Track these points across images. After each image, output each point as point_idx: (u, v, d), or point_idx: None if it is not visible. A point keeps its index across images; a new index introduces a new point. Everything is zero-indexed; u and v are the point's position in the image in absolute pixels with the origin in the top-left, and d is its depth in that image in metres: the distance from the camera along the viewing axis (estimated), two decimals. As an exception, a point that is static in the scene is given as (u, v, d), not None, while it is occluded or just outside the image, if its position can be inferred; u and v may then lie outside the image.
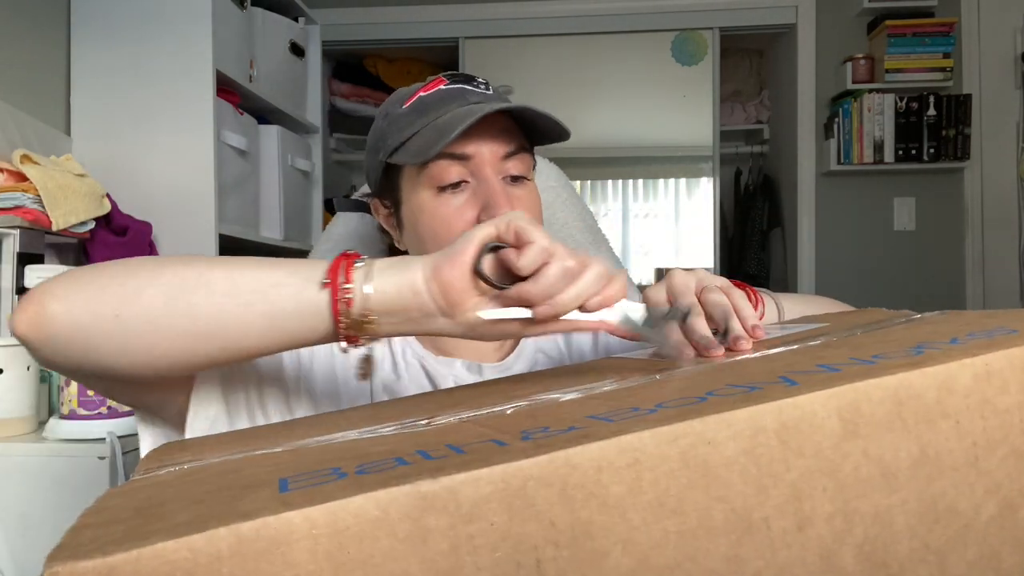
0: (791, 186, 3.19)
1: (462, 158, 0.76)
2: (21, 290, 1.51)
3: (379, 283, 0.56)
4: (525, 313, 0.55)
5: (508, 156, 0.77)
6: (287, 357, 0.76)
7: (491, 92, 0.80)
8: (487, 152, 0.76)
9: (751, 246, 3.37)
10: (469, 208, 0.76)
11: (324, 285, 0.56)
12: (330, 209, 3.08)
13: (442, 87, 0.78)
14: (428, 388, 0.81)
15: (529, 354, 0.85)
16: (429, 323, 0.57)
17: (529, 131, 0.80)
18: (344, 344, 0.57)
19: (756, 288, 0.75)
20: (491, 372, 0.82)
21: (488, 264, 0.56)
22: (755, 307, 0.71)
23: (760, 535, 0.34)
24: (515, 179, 0.78)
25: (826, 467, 0.35)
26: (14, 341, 1.31)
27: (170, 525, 0.31)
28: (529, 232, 0.55)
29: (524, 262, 0.54)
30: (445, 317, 0.56)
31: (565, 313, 0.55)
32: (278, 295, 0.57)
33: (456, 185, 0.77)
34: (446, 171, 0.76)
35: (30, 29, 1.89)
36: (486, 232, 0.56)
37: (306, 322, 0.57)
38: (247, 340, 0.58)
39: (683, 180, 3.32)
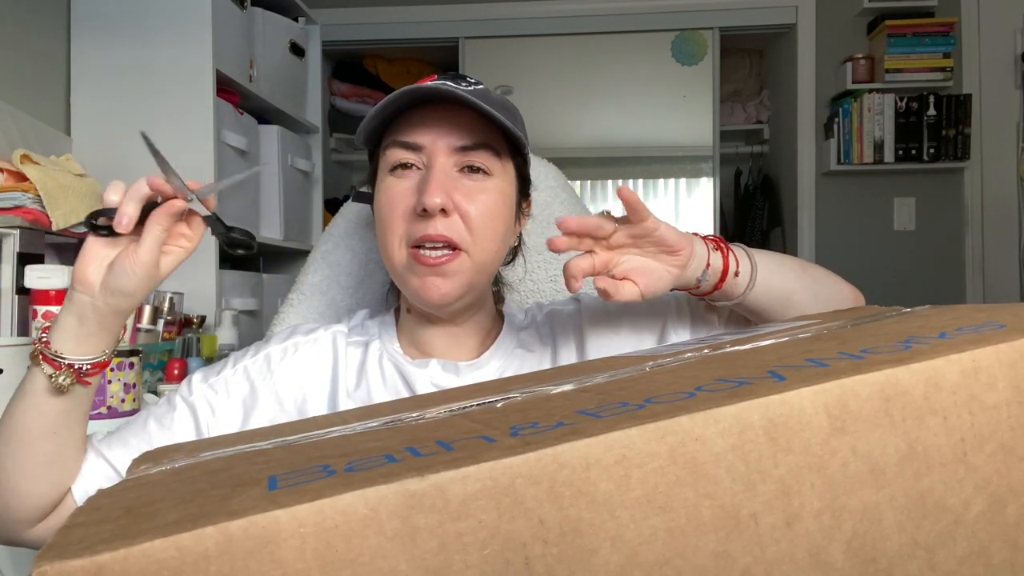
0: (791, 186, 3.19)
1: (414, 147, 0.77)
2: (21, 290, 1.51)
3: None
4: None
5: (464, 150, 0.77)
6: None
7: (475, 90, 0.78)
8: (440, 143, 0.76)
9: (751, 246, 3.36)
10: (412, 194, 0.76)
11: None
12: (331, 209, 3.09)
13: (429, 82, 0.78)
14: (404, 392, 0.81)
15: (507, 350, 0.85)
16: None
17: (504, 131, 0.79)
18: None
19: (731, 244, 0.77)
20: (467, 370, 0.82)
21: None
22: (726, 262, 0.75)
23: (749, 531, 0.34)
24: (476, 172, 0.78)
25: (814, 463, 0.35)
26: (14, 341, 1.31)
27: (159, 524, 0.31)
28: None
29: None
30: None
31: None
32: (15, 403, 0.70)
33: (407, 169, 0.78)
34: (399, 156, 0.77)
35: (30, 29, 1.89)
36: None
37: (37, 391, 0.68)
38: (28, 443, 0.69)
39: (683, 180, 3.32)
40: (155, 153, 0.66)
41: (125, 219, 0.64)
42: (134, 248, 0.65)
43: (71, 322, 0.67)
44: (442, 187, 0.74)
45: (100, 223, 0.66)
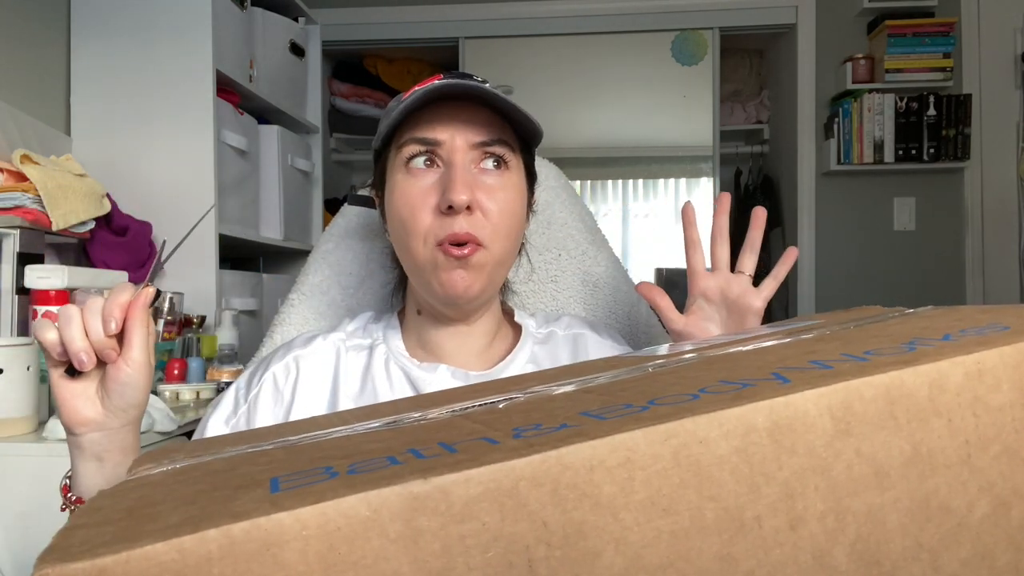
0: (791, 186, 3.19)
1: (432, 143, 0.77)
2: (21, 290, 1.51)
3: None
4: None
5: (482, 145, 0.77)
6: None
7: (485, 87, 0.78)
8: (459, 139, 0.76)
9: (751, 246, 3.36)
10: (433, 191, 0.76)
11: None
12: (331, 209, 3.08)
13: (437, 81, 0.78)
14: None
15: (520, 364, 0.84)
16: None
17: (514, 126, 0.80)
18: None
19: None
20: (478, 380, 0.81)
21: None
22: None
23: (752, 534, 0.34)
24: (493, 167, 0.78)
25: (818, 465, 0.35)
26: (14, 341, 1.31)
27: (161, 526, 0.31)
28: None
29: None
30: None
31: None
32: None
33: (427, 167, 0.77)
34: (417, 152, 0.77)
35: (30, 29, 1.89)
36: None
37: None
38: None
39: (683, 180, 3.32)
40: (159, 262, 0.67)
41: (84, 355, 0.62)
42: (122, 359, 0.63)
43: (91, 467, 0.65)
44: (467, 184, 0.74)
45: (70, 368, 0.64)
